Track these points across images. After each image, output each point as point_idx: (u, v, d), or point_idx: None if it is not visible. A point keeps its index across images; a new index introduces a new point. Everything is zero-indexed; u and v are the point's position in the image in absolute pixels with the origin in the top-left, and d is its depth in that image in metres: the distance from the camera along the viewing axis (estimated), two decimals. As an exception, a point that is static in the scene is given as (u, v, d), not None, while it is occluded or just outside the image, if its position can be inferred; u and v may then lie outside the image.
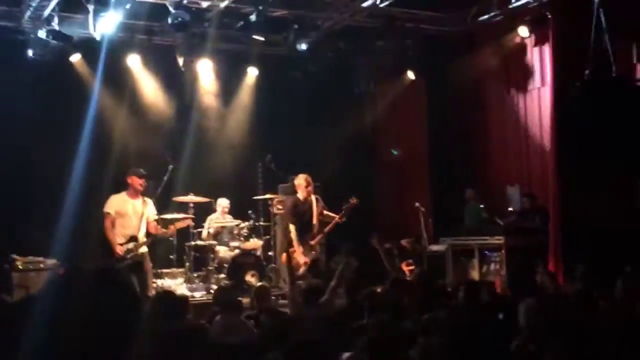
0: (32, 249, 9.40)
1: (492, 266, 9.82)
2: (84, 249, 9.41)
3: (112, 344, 1.68)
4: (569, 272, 8.50)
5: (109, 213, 8.47)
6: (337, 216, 9.07)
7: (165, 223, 9.24)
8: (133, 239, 8.50)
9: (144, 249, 8.60)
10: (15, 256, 9.10)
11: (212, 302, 6.76)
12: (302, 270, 8.80)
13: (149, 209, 8.77)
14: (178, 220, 9.35)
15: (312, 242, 8.97)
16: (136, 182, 8.58)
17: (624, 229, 8.84)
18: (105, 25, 9.59)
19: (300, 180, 9.16)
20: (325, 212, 9.14)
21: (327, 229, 9.06)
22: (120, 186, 8.91)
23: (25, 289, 8.74)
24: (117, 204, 8.58)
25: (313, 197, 9.12)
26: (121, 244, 8.45)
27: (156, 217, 8.82)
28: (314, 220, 9.01)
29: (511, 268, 9.17)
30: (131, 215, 8.60)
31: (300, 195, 9.13)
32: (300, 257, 8.85)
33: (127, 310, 1.75)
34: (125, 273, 7.61)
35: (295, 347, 3.45)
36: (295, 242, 8.91)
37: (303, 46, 11.27)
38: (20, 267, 9.04)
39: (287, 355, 3.42)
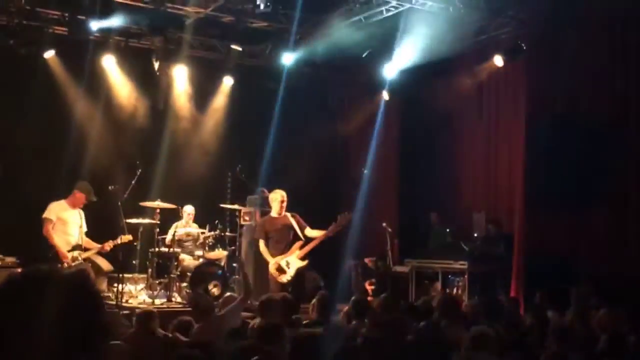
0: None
1: (455, 290, 9.88)
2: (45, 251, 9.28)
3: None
4: (530, 299, 8.62)
5: (49, 219, 8.57)
6: (330, 229, 8.81)
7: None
8: (77, 247, 8.55)
9: (85, 255, 8.71)
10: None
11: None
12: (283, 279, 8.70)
13: (83, 221, 8.87)
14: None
15: (301, 254, 8.84)
16: (80, 198, 8.67)
17: (585, 257, 8.98)
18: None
19: (276, 195, 9.10)
20: (308, 229, 9.03)
21: (315, 242, 8.84)
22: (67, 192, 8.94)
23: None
24: (58, 210, 8.66)
25: (288, 214, 9.04)
26: (67, 251, 8.50)
27: (85, 231, 8.87)
28: (299, 233, 8.89)
29: (472, 293, 9.23)
30: (71, 223, 8.69)
31: (274, 211, 9.06)
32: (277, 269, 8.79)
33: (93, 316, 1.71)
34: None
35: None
36: (267, 256, 8.83)
37: (285, 60, 11.29)
38: (-23, 263, 8.86)
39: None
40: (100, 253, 9.10)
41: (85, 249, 8.83)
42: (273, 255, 8.73)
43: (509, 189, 10.93)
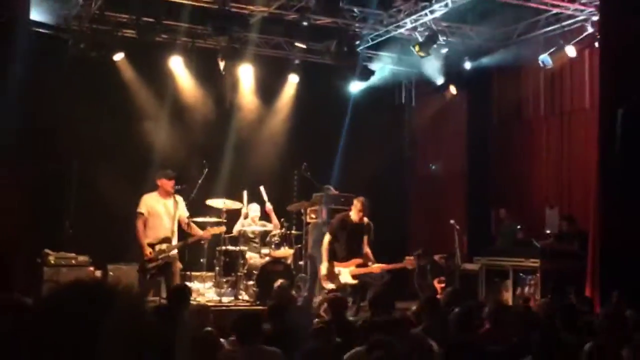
0: (65, 244, 9.50)
1: (527, 289, 9.57)
2: (120, 249, 9.46)
3: None
4: (606, 298, 8.25)
5: (141, 213, 8.42)
6: (406, 262, 9.20)
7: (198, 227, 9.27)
8: (166, 240, 8.46)
9: (174, 252, 8.56)
10: (47, 251, 9.18)
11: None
12: (334, 284, 8.71)
13: (181, 208, 8.73)
14: (212, 225, 9.33)
15: (354, 271, 8.82)
16: (166, 184, 8.56)
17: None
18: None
19: (357, 203, 9.14)
20: (368, 249, 8.99)
21: (369, 270, 8.87)
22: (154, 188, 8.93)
23: (56, 283, 8.80)
24: (149, 203, 8.54)
25: (366, 221, 9.08)
26: (151, 245, 8.41)
27: (188, 216, 8.79)
28: (365, 249, 8.90)
29: (545, 292, 8.91)
30: (163, 215, 8.55)
31: (353, 215, 9.07)
32: (327, 280, 8.81)
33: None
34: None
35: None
36: (324, 252, 8.81)
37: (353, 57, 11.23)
38: (52, 262, 9.11)
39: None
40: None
41: (189, 235, 8.79)
42: (334, 258, 8.69)
43: (584, 184, 10.51)
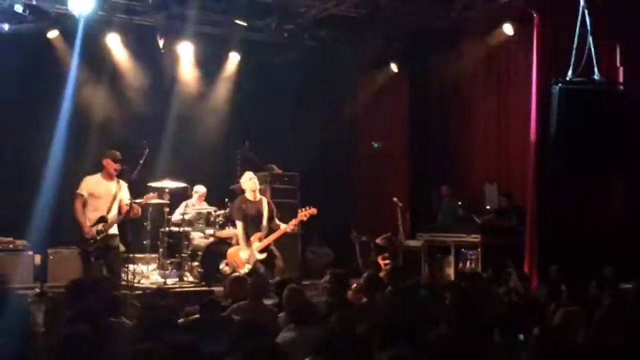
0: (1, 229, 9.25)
1: (468, 264, 9.80)
2: (58, 232, 9.25)
3: None
4: (543, 273, 8.53)
5: (81, 195, 8.25)
6: (290, 224, 8.89)
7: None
8: (102, 219, 8.31)
9: (114, 230, 8.40)
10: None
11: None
12: (244, 269, 8.70)
13: (123, 192, 8.58)
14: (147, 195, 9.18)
15: (260, 246, 8.82)
16: (111, 166, 8.38)
17: (601, 231, 8.86)
18: (83, 2, 9.38)
19: (246, 178, 9.01)
20: (276, 219, 8.97)
21: (274, 236, 8.84)
22: (96, 168, 8.72)
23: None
24: (91, 185, 8.37)
25: (264, 199, 8.98)
26: (91, 226, 8.25)
27: (129, 201, 8.63)
28: (263, 222, 8.86)
29: (486, 267, 9.14)
30: (104, 197, 8.40)
31: (248, 194, 8.95)
32: (245, 257, 8.78)
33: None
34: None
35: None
36: (241, 242, 8.80)
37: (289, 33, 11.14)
38: (-12, 246, 8.87)
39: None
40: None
41: (121, 214, 8.49)
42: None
43: (522, 161, 10.77)
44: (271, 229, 8.84)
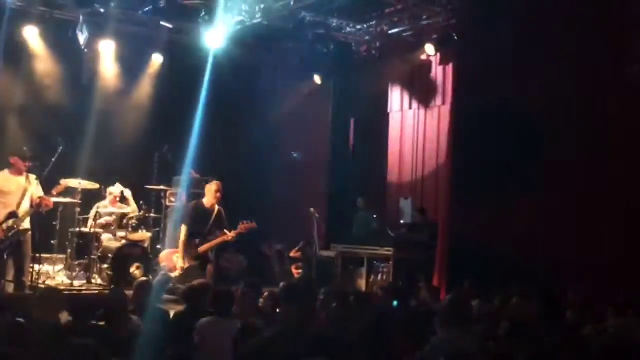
0: None
1: (380, 276, 9.96)
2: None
3: None
4: (452, 287, 8.74)
5: None
6: (229, 234, 8.91)
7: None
8: (12, 215, 8.02)
9: (26, 225, 8.12)
10: None
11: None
12: (176, 273, 8.70)
13: (34, 187, 8.32)
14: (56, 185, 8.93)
15: (200, 250, 8.82)
16: (20, 164, 8.12)
17: (508, 247, 9.16)
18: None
19: (213, 186, 9.03)
20: (224, 227, 9.00)
21: (214, 242, 8.90)
22: (4, 164, 8.42)
23: None
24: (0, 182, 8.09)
25: (217, 208, 8.98)
26: (1, 223, 7.95)
27: (41, 196, 8.36)
28: (208, 227, 8.87)
29: (397, 280, 9.31)
30: (14, 192, 8.13)
31: (207, 200, 8.98)
32: (180, 261, 8.81)
33: None
34: None
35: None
36: (181, 245, 8.80)
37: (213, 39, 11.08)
38: None
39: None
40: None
41: (32, 208, 8.23)
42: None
43: (436, 177, 11.07)
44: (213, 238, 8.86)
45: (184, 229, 8.90)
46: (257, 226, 9.08)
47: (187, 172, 10.91)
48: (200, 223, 8.87)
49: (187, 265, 8.78)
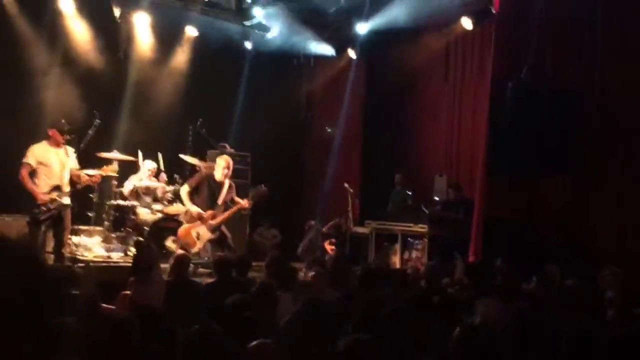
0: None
1: (414, 253, 9.91)
2: (7, 200, 8.96)
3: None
4: (487, 266, 8.68)
5: (28, 164, 8.03)
6: (244, 201, 8.80)
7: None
8: (57, 188, 8.12)
9: (67, 200, 8.22)
10: None
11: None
12: (195, 248, 8.67)
13: (72, 159, 8.41)
14: (103, 166, 9.00)
15: (213, 222, 8.76)
16: (57, 136, 8.19)
17: (545, 227, 9.07)
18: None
19: (221, 161, 8.87)
20: (235, 198, 8.87)
21: (229, 212, 8.76)
22: (43, 136, 8.50)
23: None
24: (39, 153, 8.16)
25: (227, 182, 8.84)
26: (45, 193, 8.05)
27: (78, 168, 8.45)
28: (219, 202, 8.78)
29: (432, 257, 9.27)
30: (55, 164, 8.21)
31: (217, 175, 8.82)
32: (194, 235, 8.70)
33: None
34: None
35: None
36: (187, 203, 8.66)
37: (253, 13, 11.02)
38: None
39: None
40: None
41: (72, 185, 8.36)
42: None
43: (472, 154, 10.94)
44: (226, 208, 8.80)
45: (184, 188, 8.78)
46: (268, 190, 8.98)
47: (222, 146, 10.94)
48: (207, 196, 8.76)
49: (203, 239, 8.72)
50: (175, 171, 10.49)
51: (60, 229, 8.11)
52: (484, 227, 9.63)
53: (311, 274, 6.67)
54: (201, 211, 8.64)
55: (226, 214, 8.79)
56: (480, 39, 11.05)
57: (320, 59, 13.06)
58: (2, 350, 1.46)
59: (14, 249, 1.57)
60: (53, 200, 8.01)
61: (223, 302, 4.43)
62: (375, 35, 11.88)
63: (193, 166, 10.76)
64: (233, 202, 8.83)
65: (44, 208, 7.91)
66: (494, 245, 9.05)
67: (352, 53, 12.34)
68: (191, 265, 7.59)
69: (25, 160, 8.04)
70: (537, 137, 9.28)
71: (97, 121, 9.47)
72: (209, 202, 8.73)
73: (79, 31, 11.16)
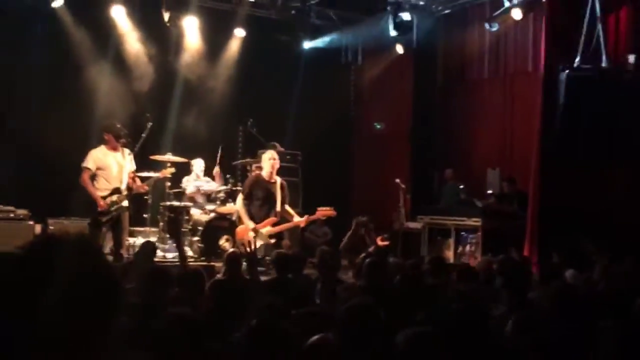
0: (4, 198, 9.24)
1: (468, 247, 9.80)
2: (60, 202, 9.21)
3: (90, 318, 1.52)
4: (543, 259, 8.52)
5: (88, 168, 8.23)
6: (302, 220, 8.69)
7: (141, 181, 9.08)
8: (116, 191, 8.30)
9: (125, 202, 8.40)
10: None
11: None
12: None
13: (129, 161, 8.58)
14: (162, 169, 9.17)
15: (269, 231, 8.69)
16: (113, 140, 8.36)
17: (602, 219, 8.84)
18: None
19: (267, 154, 8.81)
20: (286, 206, 8.78)
21: (284, 226, 8.67)
22: (99, 140, 8.70)
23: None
24: (98, 158, 8.35)
25: (278, 181, 8.79)
26: (104, 197, 8.24)
27: (134, 170, 8.62)
28: (277, 207, 8.67)
29: (487, 250, 9.14)
30: (113, 168, 8.39)
31: (265, 172, 8.72)
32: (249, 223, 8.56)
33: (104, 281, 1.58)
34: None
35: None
36: (243, 216, 8.59)
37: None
38: (-12, 215, 8.85)
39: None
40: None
41: (129, 188, 8.59)
42: (252, 219, 8.54)
43: (525, 146, 10.74)
44: (283, 216, 8.74)
45: (239, 198, 8.74)
46: (335, 214, 8.91)
47: (272, 145, 10.99)
48: (262, 198, 8.63)
49: (261, 241, 8.70)
50: (227, 172, 10.60)
51: (118, 231, 8.27)
52: (540, 220, 9.46)
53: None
54: (253, 225, 8.58)
55: (283, 227, 8.71)
56: (532, 29, 10.86)
57: (368, 55, 13.01)
58: (75, 348, 1.48)
59: (82, 247, 1.59)
60: (113, 203, 8.18)
61: (284, 298, 4.48)
62: (422, 29, 11.78)
63: (244, 166, 10.87)
64: (282, 201, 8.72)
65: (104, 211, 8.09)
66: (551, 238, 8.89)
67: (399, 48, 12.26)
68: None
69: (84, 164, 8.22)
70: (592, 127, 9.06)
71: (150, 124, 9.63)
72: (265, 205, 8.68)
73: (131, 36, 11.36)
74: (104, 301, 1.53)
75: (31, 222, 9.17)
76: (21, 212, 9.12)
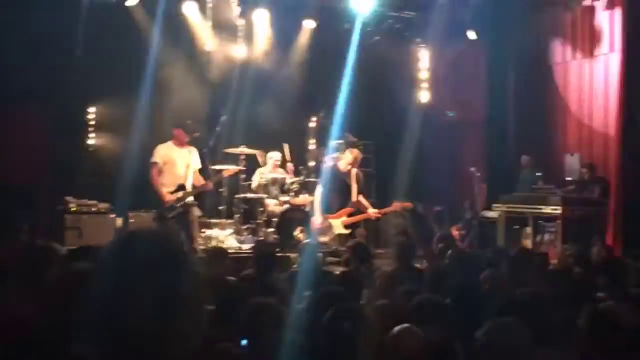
0: (86, 193, 9.52)
1: (547, 236, 9.55)
2: (140, 196, 9.43)
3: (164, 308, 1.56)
4: (628, 247, 8.24)
5: (155, 162, 8.44)
6: (376, 212, 8.85)
7: (214, 173, 9.22)
8: (181, 187, 8.46)
9: (191, 198, 8.57)
10: (68, 198, 9.19)
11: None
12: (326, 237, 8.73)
13: (194, 159, 8.73)
14: (222, 170, 9.29)
15: (345, 222, 8.76)
16: (182, 136, 8.54)
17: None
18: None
19: (349, 155, 9.03)
20: (361, 196, 8.91)
21: (358, 218, 8.85)
22: (168, 136, 8.88)
23: (77, 230, 8.88)
24: (164, 153, 8.54)
25: (354, 171, 8.90)
26: (170, 192, 8.41)
27: (199, 168, 8.78)
28: (353, 198, 8.80)
29: (568, 239, 8.89)
30: (179, 163, 8.56)
31: (342, 164, 8.96)
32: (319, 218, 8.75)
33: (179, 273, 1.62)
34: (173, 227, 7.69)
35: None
36: (317, 207, 8.76)
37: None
38: (73, 209, 9.13)
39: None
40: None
41: (193, 186, 8.77)
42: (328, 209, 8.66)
43: (604, 132, 10.40)
44: (358, 207, 8.85)
45: (318, 189, 8.96)
46: (412, 205, 8.96)
47: (345, 136, 10.98)
48: (336, 187, 8.81)
49: (335, 232, 8.78)
50: (301, 163, 10.64)
51: (186, 224, 8.41)
52: (623, 206, 9.15)
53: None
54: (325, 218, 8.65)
55: (358, 217, 8.88)
56: (609, 11, 10.47)
57: (439, 41, 12.81)
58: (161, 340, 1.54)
59: (167, 242, 1.64)
60: (179, 200, 8.34)
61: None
62: (494, 14, 11.53)
63: (317, 158, 10.89)
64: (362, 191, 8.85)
65: (170, 207, 8.26)
66: (635, 225, 8.60)
67: (472, 34, 12.02)
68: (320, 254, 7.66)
69: (152, 160, 8.44)
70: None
71: (224, 117, 9.77)
72: (341, 196, 8.80)
73: (202, 32, 11.50)
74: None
75: (112, 216, 9.43)
76: (103, 206, 9.38)
